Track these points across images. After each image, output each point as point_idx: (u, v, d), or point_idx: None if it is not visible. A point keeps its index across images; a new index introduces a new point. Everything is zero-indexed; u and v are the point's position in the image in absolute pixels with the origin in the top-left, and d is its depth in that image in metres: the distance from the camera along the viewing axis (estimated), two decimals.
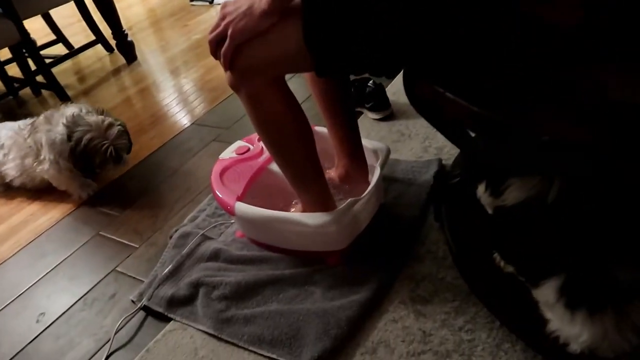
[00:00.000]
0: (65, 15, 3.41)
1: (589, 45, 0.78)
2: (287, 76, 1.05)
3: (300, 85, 2.04)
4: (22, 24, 2.25)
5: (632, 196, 0.81)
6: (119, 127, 1.66)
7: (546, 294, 0.82)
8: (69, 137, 1.60)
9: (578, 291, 0.77)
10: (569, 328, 0.79)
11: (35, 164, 1.69)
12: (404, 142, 1.64)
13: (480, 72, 0.81)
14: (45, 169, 1.67)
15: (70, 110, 1.66)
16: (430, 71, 0.87)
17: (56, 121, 1.65)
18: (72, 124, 1.61)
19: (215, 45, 0.95)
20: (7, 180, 1.79)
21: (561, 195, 0.78)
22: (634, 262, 0.75)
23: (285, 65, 0.99)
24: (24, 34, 2.27)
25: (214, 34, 0.94)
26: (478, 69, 0.82)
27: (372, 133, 1.71)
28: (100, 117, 1.63)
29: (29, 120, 1.75)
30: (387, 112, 1.77)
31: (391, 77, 0.99)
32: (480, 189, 0.90)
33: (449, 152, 1.53)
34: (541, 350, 0.93)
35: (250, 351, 1.08)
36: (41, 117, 1.70)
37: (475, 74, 0.82)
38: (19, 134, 1.72)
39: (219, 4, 3.61)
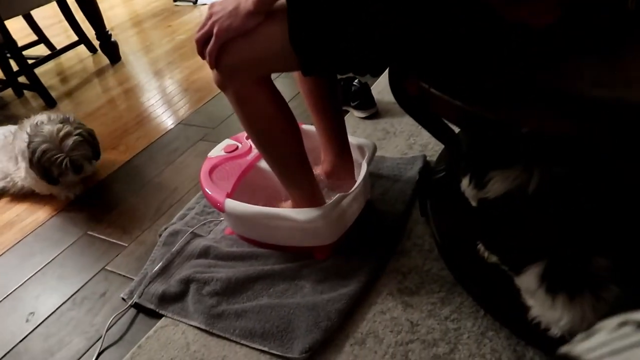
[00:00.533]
0: (46, 16, 3.38)
1: (565, 44, 0.82)
2: (274, 75, 1.07)
3: (287, 84, 2.07)
4: (4, 24, 2.23)
5: (609, 188, 0.85)
6: (77, 137, 1.61)
7: (528, 281, 0.85)
8: (29, 146, 1.59)
9: (558, 277, 0.81)
10: (550, 313, 0.82)
11: (15, 170, 1.69)
12: (389, 139, 1.67)
13: (480, 71, 0.85)
14: (22, 176, 1.67)
15: (38, 118, 1.64)
16: (422, 69, 0.90)
17: (25, 128, 1.64)
18: (33, 134, 1.59)
19: (202, 44, 0.97)
20: None
21: (541, 187, 0.81)
22: (609, 249, 0.79)
23: (270, 64, 1.01)
24: (6, 35, 2.25)
25: (200, 33, 0.96)
26: (477, 68, 0.85)
27: (357, 131, 1.74)
28: (57, 127, 1.59)
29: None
30: (372, 110, 1.80)
31: (376, 75, 1.02)
32: (464, 182, 0.93)
33: (433, 148, 1.56)
34: (524, 336, 0.97)
35: (242, 345, 1.10)
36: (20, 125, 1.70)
37: (474, 72, 0.85)
38: (8, 137, 1.71)
39: (204, 4, 3.62)
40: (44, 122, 1.62)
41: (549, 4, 0.82)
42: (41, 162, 1.56)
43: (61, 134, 1.59)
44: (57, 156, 1.57)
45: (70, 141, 1.59)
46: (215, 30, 0.92)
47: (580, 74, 0.75)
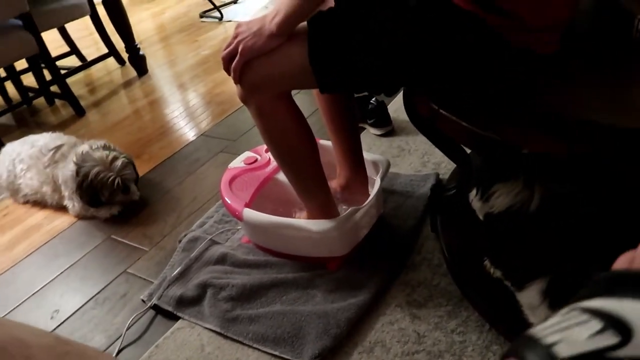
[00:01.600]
0: (79, 29, 3.52)
1: (569, 69, 0.87)
2: (294, 91, 1.13)
3: (306, 100, 2.13)
4: (40, 36, 2.35)
5: (608, 204, 0.89)
6: (124, 159, 1.72)
7: (531, 296, 0.89)
8: (77, 173, 1.67)
9: (560, 293, 0.84)
10: None
11: (56, 196, 1.77)
12: (404, 157, 1.72)
13: (483, 91, 0.89)
14: (69, 206, 1.74)
15: (81, 148, 1.73)
16: (428, 85, 0.95)
17: (70, 159, 1.72)
18: (81, 161, 1.68)
19: (228, 61, 1.04)
20: (20, 195, 1.85)
21: (543, 204, 0.85)
22: (611, 265, 0.82)
23: (290, 82, 1.07)
24: (42, 46, 2.36)
25: (226, 50, 1.03)
26: (481, 88, 0.90)
27: (373, 148, 1.79)
28: (105, 152, 1.70)
29: (51, 143, 1.80)
30: (388, 128, 1.85)
31: (390, 95, 1.07)
32: (472, 194, 0.97)
33: (446, 167, 1.60)
34: None
35: (254, 348, 1.14)
36: (59, 152, 1.77)
37: (477, 92, 0.90)
38: (40, 158, 1.78)
39: (229, 21, 3.73)
40: (89, 150, 1.71)
41: (553, 34, 0.87)
42: (93, 184, 1.65)
43: (110, 157, 1.69)
44: (109, 176, 1.66)
45: (119, 162, 1.69)
46: (240, 49, 0.99)
47: (581, 99, 0.80)
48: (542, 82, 0.85)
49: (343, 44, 0.93)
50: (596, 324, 0.24)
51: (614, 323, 0.24)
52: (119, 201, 1.72)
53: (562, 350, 0.23)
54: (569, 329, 0.25)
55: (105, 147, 1.75)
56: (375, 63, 0.95)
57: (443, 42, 0.89)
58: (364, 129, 1.90)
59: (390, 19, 0.90)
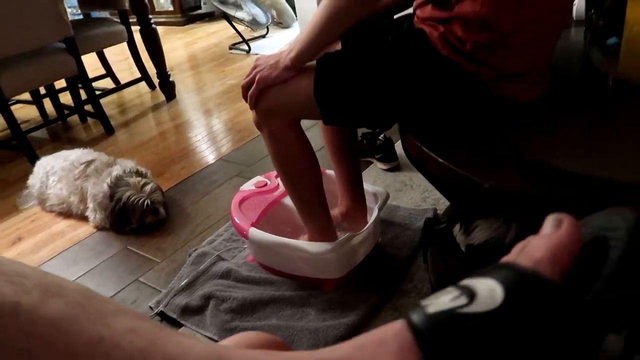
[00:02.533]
0: (115, 53, 3.76)
1: (545, 118, 0.97)
2: (308, 124, 1.24)
3: (318, 133, 2.26)
4: (80, 59, 2.54)
5: None
6: (152, 184, 1.87)
7: None
8: (111, 197, 1.81)
9: None
10: None
11: (81, 207, 1.91)
12: (406, 191, 1.81)
13: (455, 118, 1.00)
14: (91, 217, 1.89)
15: (115, 171, 1.87)
16: (418, 119, 1.06)
17: (103, 178, 1.86)
18: (114, 186, 1.83)
19: (246, 89, 1.17)
20: (47, 204, 2.00)
21: (517, 237, 0.93)
22: None
23: (298, 111, 1.19)
24: (82, 68, 2.56)
25: (245, 80, 1.17)
26: (454, 116, 1.01)
27: (378, 181, 1.89)
28: (138, 179, 1.85)
29: (83, 158, 1.96)
30: (394, 163, 1.96)
31: (384, 129, 1.18)
32: (456, 229, 1.06)
33: (444, 203, 1.69)
34: None
35: None
36: (92, 167, 1.91)
37: (458, 134, 1.01)
38: (72, 171, 1.93)
39: (256, 53, 3.93)
40: (122, 174, 1.86)
41: (534, 80, 0.98)
42: (125, 206, 1.79)
43: (142, 182, 1.85)
44: (140, 198, 1.80)
45: (149, 187, 1.85)
46: (257, 78, 1.13)
47: (554, 145, 0.89)
48: (514, 126, 0.94)
49: (344, 82, 1.06)
50: (456, 292, 0.35)
51: (466, 291, 0.35)
52: (149, 222, 1.82)
53: (430, 308, 0.34)
54: (439, 297, 0.35)
55: (137, 173, 1.89)
56: (371, 97, 1.06)
57: (428, 84, 1.01)
58: (372, 162, 2.01)
59: (387, 62, 1.02)
